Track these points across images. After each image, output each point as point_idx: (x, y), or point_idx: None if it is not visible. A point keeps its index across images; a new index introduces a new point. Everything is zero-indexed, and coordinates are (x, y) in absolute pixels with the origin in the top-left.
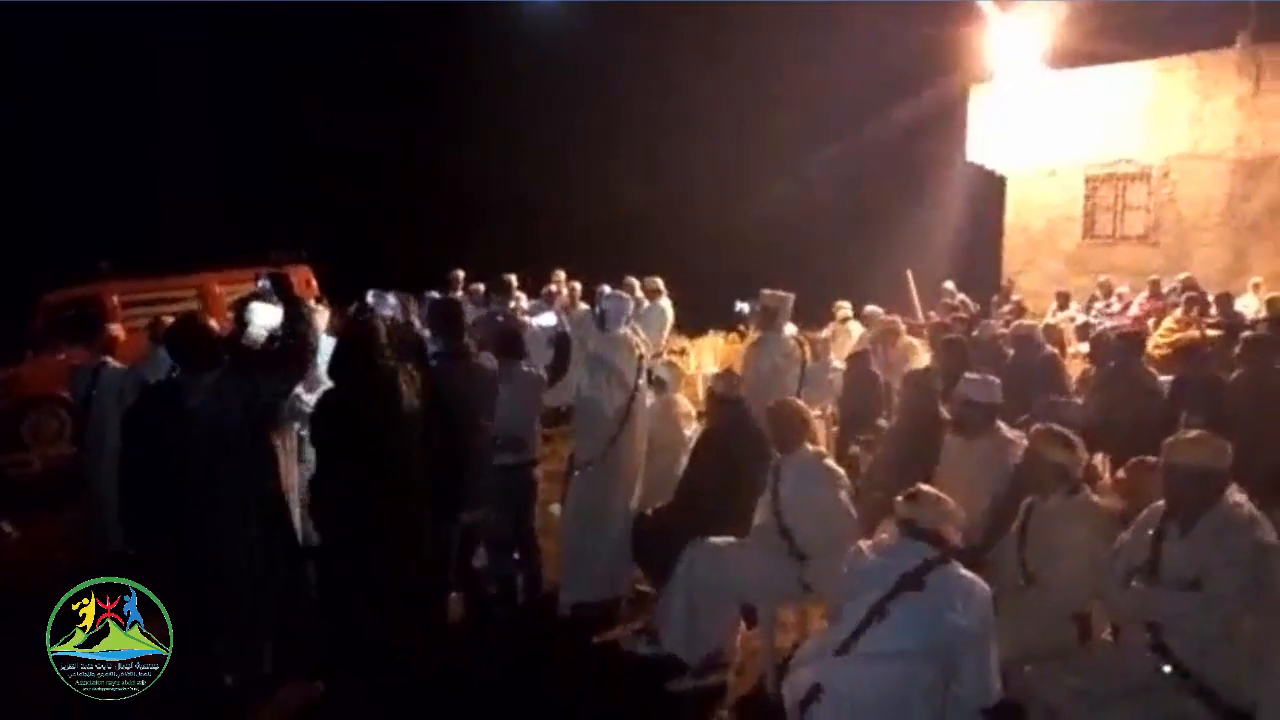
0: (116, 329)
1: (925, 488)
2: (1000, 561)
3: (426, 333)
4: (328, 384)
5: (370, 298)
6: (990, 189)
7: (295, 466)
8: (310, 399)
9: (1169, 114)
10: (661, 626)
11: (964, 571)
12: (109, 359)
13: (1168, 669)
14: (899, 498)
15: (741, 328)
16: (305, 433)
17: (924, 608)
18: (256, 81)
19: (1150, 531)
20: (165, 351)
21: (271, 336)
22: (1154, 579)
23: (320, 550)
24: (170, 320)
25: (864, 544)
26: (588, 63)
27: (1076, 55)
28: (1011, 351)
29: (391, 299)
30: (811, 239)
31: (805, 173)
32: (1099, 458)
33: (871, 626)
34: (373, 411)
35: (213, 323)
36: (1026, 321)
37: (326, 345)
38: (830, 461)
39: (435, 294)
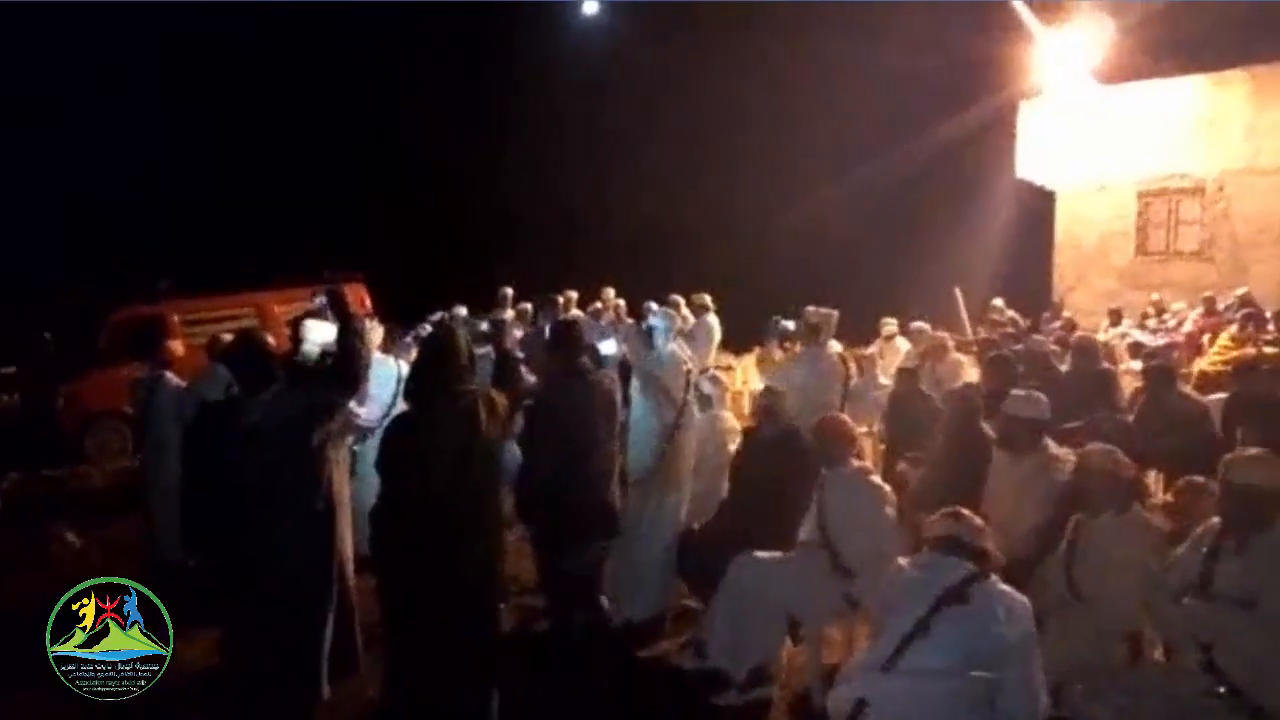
0: (175, 345)
1: (962, 509)
2: (1047, 579)
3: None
4: (380, 399)
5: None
6: (1040, 205)
7: (348, 481)
8: (362, 412)
9: (1223, 128)
10: (707, 640)
11: (1004, 586)
12: (166, 373)
13: (1221, 689)
14: (933, 516)
15: (786, 344)
16: (358, 447)
17: (969, 622)
18: (299, 104)
19: (1204, 549)
20: (223, 368)
21: (325, 353)
22: (1207, 597)
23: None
24: (228, 338)
25: (902, 560)
26: (629, 79)
27: (1127, 70)
28: (1064, 367)
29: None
30: (858, 255)
31: (853, 188)
32: (1151, 475)
33: (916, 641)
34: (439, 440)
35: (270, 340)
36: (1089, 334)
37: (379, 361)
38: (876, 477)
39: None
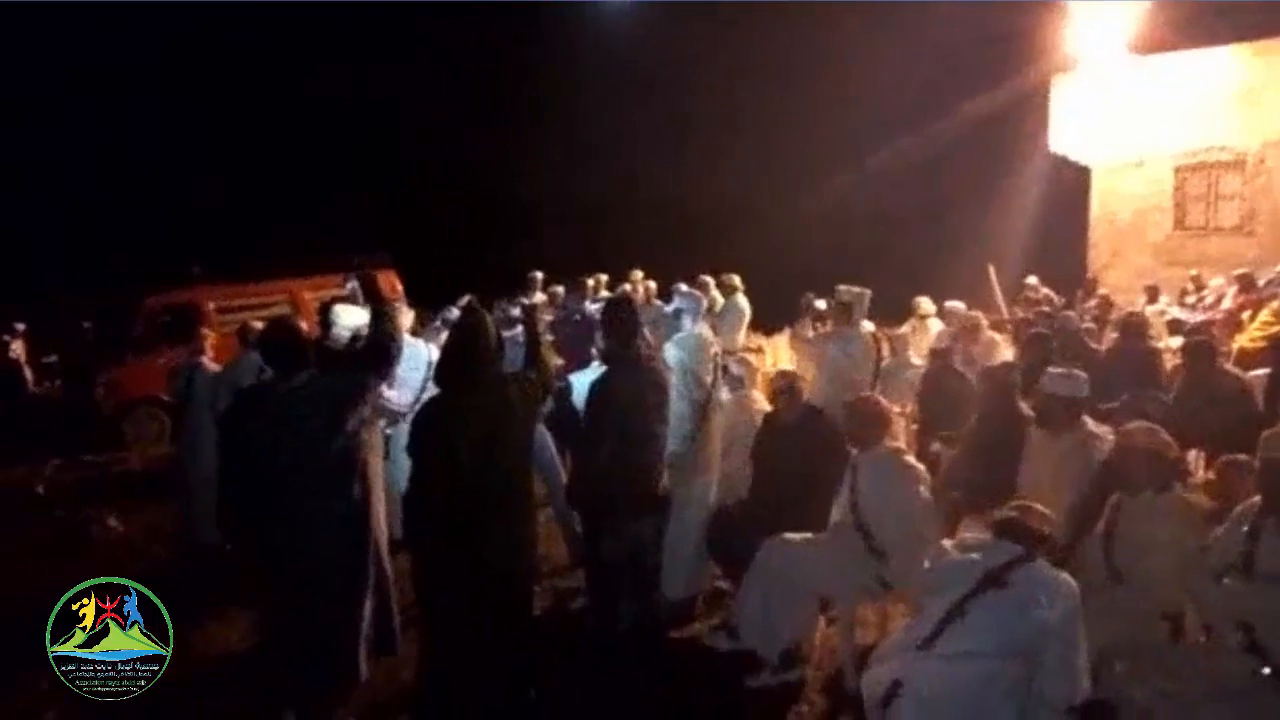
0: (209, 332)
1: (1033, 504)
2: (1085, 560)
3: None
4: (411, 383)
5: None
6: (1074, 181)
7: (380, 464)
8: (392, 395)
9: (1266, 98)
10: (740, 622)
11: (1050, 568)
12: (203, 360)
13: (1265, 670)
14: (1003, 507)
15: (818, 324)
16: (390, 431)
17: (1007, 605)
18: (325, 91)
19: (1245, 528)
20: (255, 354)
21: (354, 337)
22: (1249, 576)
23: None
24: (259, 324)
25: (946, 542)
26: (655, 62)
27: (1164, 41)
28: (1104, 346)
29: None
30: (891, 233)
31: (885, 167)
32: (1191, 454)
33: (953, 624)
34: (469, 424)
35: (303, 325)
36: (1138, 312)
37: (409, 344)
38: (910, 458)
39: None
